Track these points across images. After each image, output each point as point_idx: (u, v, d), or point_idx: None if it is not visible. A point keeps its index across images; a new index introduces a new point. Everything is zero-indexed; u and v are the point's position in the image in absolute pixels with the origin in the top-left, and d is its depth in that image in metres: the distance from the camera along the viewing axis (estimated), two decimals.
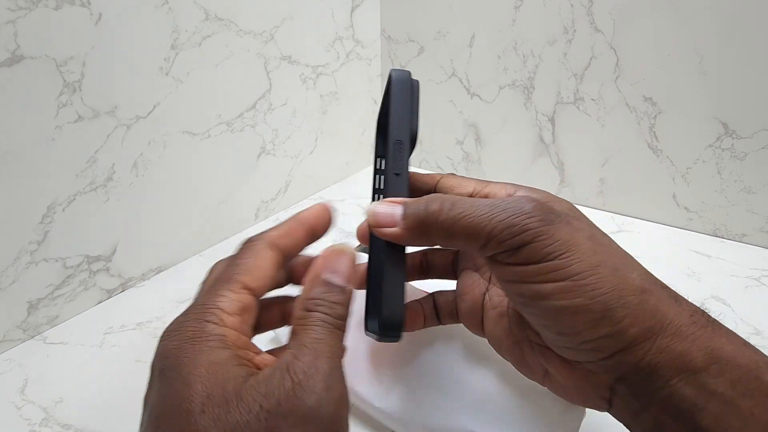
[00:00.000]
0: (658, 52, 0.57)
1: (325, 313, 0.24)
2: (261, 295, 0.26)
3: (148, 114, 0.49)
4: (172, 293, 0.52)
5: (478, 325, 0.31)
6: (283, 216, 0.66)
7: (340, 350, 0.24)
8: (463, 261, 0.33)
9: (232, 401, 0.21)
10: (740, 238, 0.60)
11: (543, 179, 0.71)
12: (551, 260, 0.24)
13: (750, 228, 0.59)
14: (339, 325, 0.24)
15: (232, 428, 0.20)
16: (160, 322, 0.48)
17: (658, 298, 0.24)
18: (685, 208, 0.62)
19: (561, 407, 0.31)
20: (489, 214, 0.25)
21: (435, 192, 0.31)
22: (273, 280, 0.26)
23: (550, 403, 0.31)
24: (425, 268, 0.34)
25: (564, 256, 0.24)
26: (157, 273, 0.55)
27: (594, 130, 0.64)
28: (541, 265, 0.24)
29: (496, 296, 0.30)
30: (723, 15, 0.53)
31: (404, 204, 0.27)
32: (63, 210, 0.45)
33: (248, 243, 0.27)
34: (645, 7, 0.56)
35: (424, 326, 0.33)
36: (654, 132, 0.61)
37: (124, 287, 0.52)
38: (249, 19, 0.56)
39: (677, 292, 0.26)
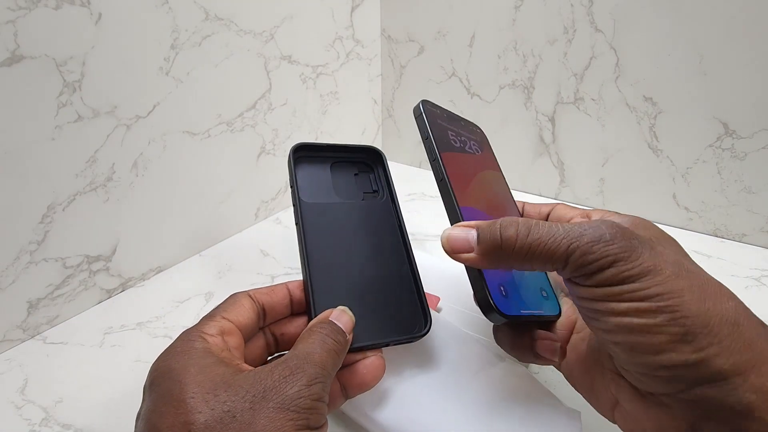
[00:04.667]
0: (658, 52, 0.57)
1: (325, 335, 0.27)
2: (241, 328, 0.29)
3: (148, 114, 0.49)
4: (172, 293, 0.52)
5: (561, 353, 0.30)
6: (283, 216, 0.67)
7: (331, 366, 0.26)
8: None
9: (220, 387, 0.23)
10: (740, 238, 0.60)
11: (543, 179, 0.71)
12: (629, 283, 0.23)
13: (750, 228, 0.59)
14: (335, 348, 0.27)
15: (220, 407, 0.22)
16: (160, 322, 0.48)
17: (756, 332, 0.22)
18: (685, 208, 0.62)
19: (559, 414, 0.31)
20: (565, 239, 0.24)
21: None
22: (251, 320, 0.30)
23: (548, 410, 0.31)
24: None
25: (643, 279, 0.23)
26: (157, 273, 0.55)
27: (594, 130, 0.64)
28: (617, 287, 0.23)
29: (582, 322, 0.30)
30: (723, 15, 0.53)
31: (478, 228, 0.26)
32: (63, 210, 0.45)
33: (231, 294, 0.31)
34: (645, 7, 0.56)
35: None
36: (654, 132, 0.61)
37: (124, 287, 0.52)
38: (249, 18, 0.56)
39: None
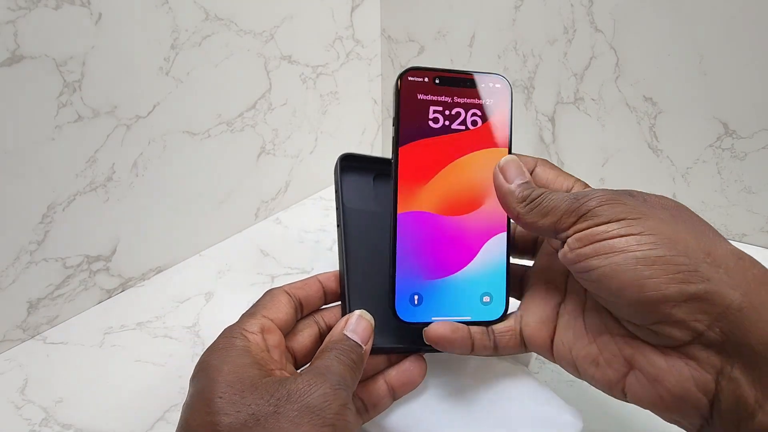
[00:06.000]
0: (658, 52, 0.57)
1: (340, 352, 0.27)
2: (280, 326, 0.30)
3: (148, 114, 0.49)
4: (172, 293, 0.52)
5: (546, 340, 0.29)
6: (283, 216, 0.67)
7: (350, 379, 0.26)
8: (530, 277, 0.33)
9: (247, 389, 0.24)
10: (740, 238, 0.60)
11: None
12: (623, 219, 0.23)
13: (750, 228, 0.59)
14: (351, 365, 0.27)
15: (245, 409, 0.23)
16: (160, 322, 0.48)
17: (761, 270, 0.22)
18: None
19: (561, 414, 0.31)
20: (558, 200, 0.26)
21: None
22: (289, 316, 0.30)
23: (549, 410, 0.31)
24: None
25: (636, 214, 0.23)
26: (157, 273, 0.55)
27: (594, 130, 0.64)
28: (612, 223, 0.24)
29: (572, 302, 0.29)
30: (723, 15, 0.53)
31: (529, 182, 0.29)
32: (63, 210, 0.45)
33: (267, 291, 0.31)
34: (645, 7, 0.56)
35: (473, 352, 0.30)
36: (654, 132, 0.61)
37: (124, 287, 0.52)
38: (249, 18, 0.56)
39: None
